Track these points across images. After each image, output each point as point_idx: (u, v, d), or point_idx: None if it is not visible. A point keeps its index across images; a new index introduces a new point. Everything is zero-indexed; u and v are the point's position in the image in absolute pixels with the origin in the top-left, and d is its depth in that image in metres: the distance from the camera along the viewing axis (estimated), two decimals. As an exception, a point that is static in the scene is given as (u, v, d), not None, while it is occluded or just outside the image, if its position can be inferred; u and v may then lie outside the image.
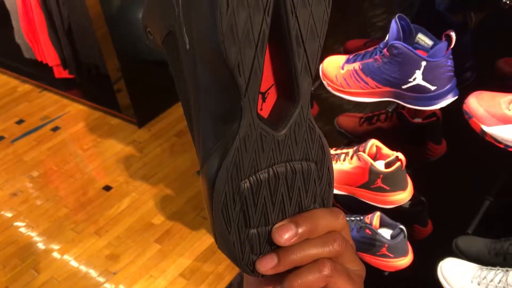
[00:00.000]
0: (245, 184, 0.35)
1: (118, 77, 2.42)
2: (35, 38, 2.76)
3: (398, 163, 1.06)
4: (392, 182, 1.08)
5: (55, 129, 2.59)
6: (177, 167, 2.26)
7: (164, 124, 2.52)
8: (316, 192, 0.38)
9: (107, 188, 2.20)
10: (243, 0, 0.31)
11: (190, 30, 0.34)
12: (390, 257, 1.19)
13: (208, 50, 0.32)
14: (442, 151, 1.26)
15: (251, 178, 0.35)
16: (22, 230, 2.05)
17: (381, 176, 1.07)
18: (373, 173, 1.07)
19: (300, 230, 0.36)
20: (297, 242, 0.36)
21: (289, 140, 0.36)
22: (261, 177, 0.35)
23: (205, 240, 1.90)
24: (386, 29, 0.99)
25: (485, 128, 0.88)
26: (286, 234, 0.36)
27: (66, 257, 1.92)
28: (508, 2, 0.78)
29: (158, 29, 0.39)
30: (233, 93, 0.33)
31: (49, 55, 2.76)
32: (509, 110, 0.86)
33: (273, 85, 0.36)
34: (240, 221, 0.36)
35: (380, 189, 1.09)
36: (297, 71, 0.34)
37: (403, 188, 1.10)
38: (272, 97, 0.37)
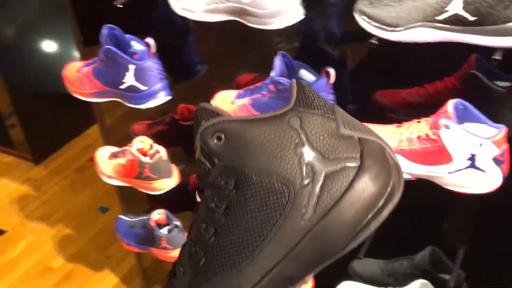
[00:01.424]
0: None
1: (10, 112, 2.32)
2: None
3: (158, 154, 1.23)
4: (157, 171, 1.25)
5: None
6: (78, 204, 2.16)
7: (63, 160, 2.41)
8: None
9: (0, 232, 2.06)
10: None
11: (321, 216, 0.36)
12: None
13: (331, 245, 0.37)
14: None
15: None
16: None
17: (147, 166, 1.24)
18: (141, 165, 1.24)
19: None
20: None
21: None
22: None
23: (109, 280, 1.82)
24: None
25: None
26: None
27: (-47, 312, 1.76)
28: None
29: (253, 164, 0.37)
30: None
31: None
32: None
33: None
34: None
35: (148, 178, 1.26)
36: None
37: (168, 175, 1.27)
38: None
